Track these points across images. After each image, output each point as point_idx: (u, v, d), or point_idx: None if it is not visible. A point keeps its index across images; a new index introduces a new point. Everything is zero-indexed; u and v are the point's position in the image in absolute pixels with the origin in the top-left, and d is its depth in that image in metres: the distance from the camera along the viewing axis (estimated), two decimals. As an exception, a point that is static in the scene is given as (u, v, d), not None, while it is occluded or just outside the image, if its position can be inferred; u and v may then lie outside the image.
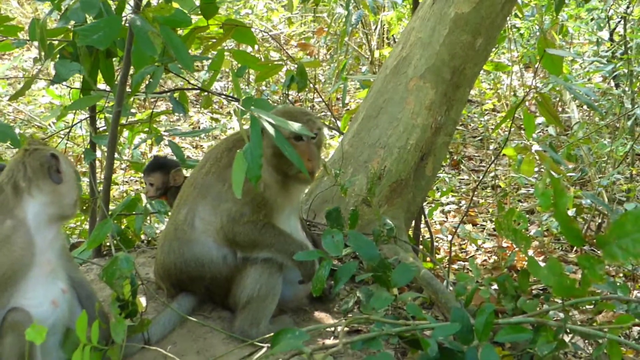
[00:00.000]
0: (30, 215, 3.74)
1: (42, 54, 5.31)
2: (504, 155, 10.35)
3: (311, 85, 9.36)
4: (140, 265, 5.00)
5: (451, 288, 5.04)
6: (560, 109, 11.59)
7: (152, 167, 5.78)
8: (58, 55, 5.52)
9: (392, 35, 12.22)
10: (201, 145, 11.18)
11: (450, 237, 8.09)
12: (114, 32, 4.26)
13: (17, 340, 3.54)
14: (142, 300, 4.33)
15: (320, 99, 12.14)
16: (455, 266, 7.41)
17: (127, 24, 4.82)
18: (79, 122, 6.66)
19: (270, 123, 3.70)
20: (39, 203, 3.76)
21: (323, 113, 11.70)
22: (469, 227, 8.67)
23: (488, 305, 3.53)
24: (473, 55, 5.85)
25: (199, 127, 11.36)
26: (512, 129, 7.57)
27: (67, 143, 7.20)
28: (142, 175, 5.78)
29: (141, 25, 4.27)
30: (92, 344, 3.33)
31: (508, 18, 6.92)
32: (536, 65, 11.83)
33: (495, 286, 4.69)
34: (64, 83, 6.04)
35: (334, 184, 5.20)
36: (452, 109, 5.93)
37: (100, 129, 6.18)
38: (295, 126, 3.87)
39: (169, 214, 5.53)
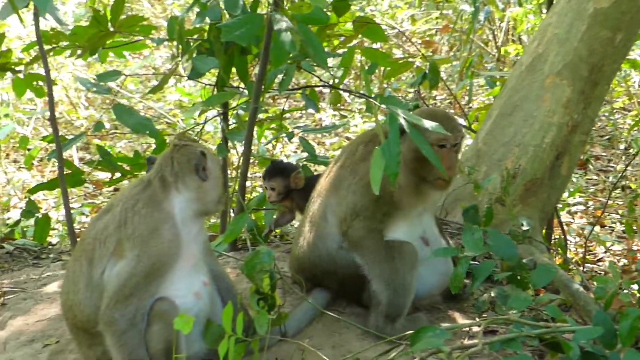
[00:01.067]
0: (177, 210, 3.84)
1: (180, 51, 5.46)
2: (634, 155, 10.02)
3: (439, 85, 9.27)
4: (275, 259, 5.06)
5: (582, 290, 4.90)
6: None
7: (273, 172, 5.77)
8: (194, 52, 5.66)
9: (518, 33, 11.99)
10: (323, 142, 11.26)
11: (577, 238, 7.91)
12: (255, 28, 4.36)
13: (163, 329, 3.65)
14: (279, 294, 4.39)
15: (442, 97, 12.04)
16: (583, 269, 7.23)
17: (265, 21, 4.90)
18: (211, 119, 6.80)
19: (411, 124, 3.69)
20: (185, 198, 3.86)
21: (448, 111, 11.59)
22: (597, 228, 8.44)
23: (632, 309, 3.44)
24: (612, 52, 5.69)
25: (321, 125, 11.43)
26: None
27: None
28: (262, 180, 5.78)
29: (282, 22, 4.33)
30: (237, 335, 3.39)
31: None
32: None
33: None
34: (196, 80, 6.19)
35: (467, 182, 5.15)
36: (589, 107, 5.78)
37: (231, 126, 6.30)
38: (438, 129, 3.86)
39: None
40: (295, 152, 10.26)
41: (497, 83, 7.77)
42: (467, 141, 8.78)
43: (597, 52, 5.66)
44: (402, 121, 3.71)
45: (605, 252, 7.93)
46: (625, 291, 4.41)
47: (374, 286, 4.43)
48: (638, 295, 4.34)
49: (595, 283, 4.54)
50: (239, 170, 5.50)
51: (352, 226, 4.41)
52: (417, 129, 3.75)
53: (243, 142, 5.50)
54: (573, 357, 3.33)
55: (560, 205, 8.62)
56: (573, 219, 8.96)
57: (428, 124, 3.80)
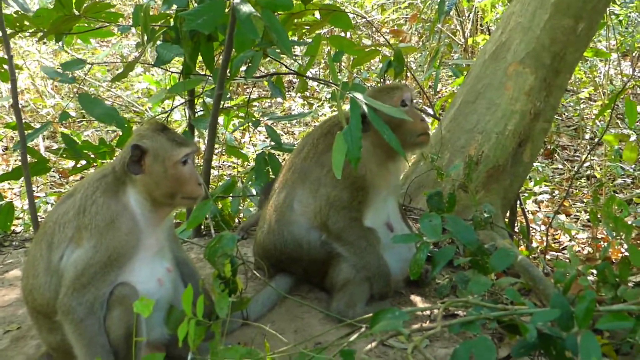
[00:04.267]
0: (132, 201, 3.80)
1: (145, 38, 5.44)
2: (599, 145, 10.12)
3: (406, 73, 9.32)
4: (238, 245, 5.07)
5: (542, 274, 4.96)
6: (659, 100, 11.27)
7: None
8: (160, 40, 5.64)
9: (486, 23, 12.06)
10: (292, 132, 11.27)
11: (543, 227, 7.98)
12: (217, 16, 4.34)
13: (124, 314, 3.64)
14: (241, 279, 4.40)
15: (412, 86, 12.09)
16: (548, 257, 7.30)
17: (229, 8, 4.89)
18: (177, 106, 6.78)
19: (369, 105, 3.72)
20: (136, 190, 3.80)
21: (415, 101, 11.64)
22: (562, 217, 8.53)
23: (589, 292, 3.47)
24: (574, 41, 5.75)
25: (291, 113, 11.44)
26: (609, 119, 7.39)
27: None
28: None
29: (245, 8, 4.32)
30: (197, 318, 3.39)
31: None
32: (634, 53, 11.59)
33: (591, 277, 4.61)
34: (162, 68, 6.16)
35: (431, 168, 5.19)
36: (552, 95, 5.84)
37: (198, 114, 6.29)
38: (397, 113, 3.90)
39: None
40: (265, 141, 10.26)
41: (464, 72, 7.81)
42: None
43: (559, 41, 5.72)
44: (364, 107, 3.73)
45: (570, 240, 8.00)
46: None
47: (337, 271, 4.48)
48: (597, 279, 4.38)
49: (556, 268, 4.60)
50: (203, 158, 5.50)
51: (330, 218, 4.46)
52: (374, 109, 3.78)
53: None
54: (530, 339, 3.35)
55: (526, 194, 8.71)
56: (539, 207, 9.03)
57: (387, 108, 3.83)
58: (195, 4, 5.29)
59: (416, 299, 4.73)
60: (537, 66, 5.74)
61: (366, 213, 4.54)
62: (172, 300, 3.93)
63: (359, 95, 3.78)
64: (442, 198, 4.41)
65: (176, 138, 3.86)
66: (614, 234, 4.63)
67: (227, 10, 4.96)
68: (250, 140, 10.43)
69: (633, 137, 6.59)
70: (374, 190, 4.52)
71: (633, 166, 9.23)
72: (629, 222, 7.51)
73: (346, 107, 4.06)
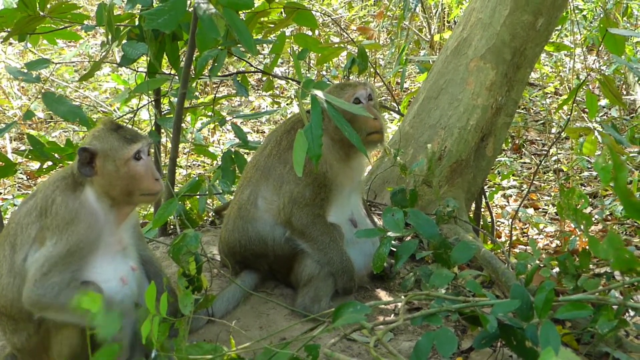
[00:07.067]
0: (92, 200, 3.80)
1: (109, 37, 5.43)
2: (566, 139, 10.22)
3: (372, 70, 9.36)
4: (204, 243, 5.10)
5: (512, 270, 5.03)
6: (624, 92, 11.40)
7: None
8: (125, 38, 5.63)
9: (453, 19, 12.15)
10: (262, 130, 11.28)
11: (510, 220, 8.06)
12: (179, 15, 4.33)
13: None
14: (207, 277, 4.43)
15: (380, 83, 12.14)
16: (516, 250, 7.39)
17: (191, 8, 4.90)
18: (143, 106, 6.78)
19: (329, 102, 3.75)
20: (94, 190, 3.81)
21: (383, 97, 11.70)
22: (530, 211, 8.61)
23: (548, 282, 3.53)
24: (534, 36, 5.82)
25: (260, 112, 11.43)
26: (575, 112, 7.48)
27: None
28: None
29: (205, 7, 4.34)
30: (161, 315, 3.40)
31: (570, -1, 6.84)
32: (600, 48, 11.72)
33: (556, 269, 4.67)
34: (129, 67, 6.15)
35: (394, 164, 5.24)
36: (513, 90, 5.92)
37: (164, 113, 6.29)
38: (359, 110, 3.94)
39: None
40: (234, 139, 10.25)
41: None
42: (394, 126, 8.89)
43: (519, 36, 5.79)
44: (324, 104, 3.77)
45: (539, 234, 8.09)
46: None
47: (302, 267, 4.53)
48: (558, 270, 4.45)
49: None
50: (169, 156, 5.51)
51: (294, 214, 4.50)
52: (333, 106, 3.81)
53: (173, 128, 5.49)
54: (490, 329, 3.41)
55: (494, 189, 8.79)
56: (507, 202, 9.11)
57: (341, 103, 3.87)
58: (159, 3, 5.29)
59: (381, 293, 4.78)
60: (497, 61, 5.81)
61: (329, 209, 4.59)
62: (137, 300, 3.91)
63: (319, 93, 3.81)
64: (406, 194, 4.46)
65: (127, 135, 3.85)
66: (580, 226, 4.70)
67: (189, 9, 4.98)
68: (220, 139, 10.44)
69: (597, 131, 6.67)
70: (336, 186, 4.56)
71: (598, 158, 9.30)
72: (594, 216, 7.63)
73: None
